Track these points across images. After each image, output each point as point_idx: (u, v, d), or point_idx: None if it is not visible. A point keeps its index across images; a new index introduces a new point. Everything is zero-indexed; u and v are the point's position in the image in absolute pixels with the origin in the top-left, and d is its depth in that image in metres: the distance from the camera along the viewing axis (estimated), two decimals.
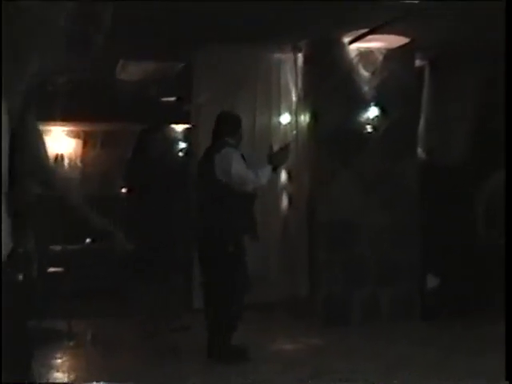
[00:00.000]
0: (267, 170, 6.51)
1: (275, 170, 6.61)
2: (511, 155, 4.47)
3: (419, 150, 8.96)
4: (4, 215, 1.47)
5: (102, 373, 6.51)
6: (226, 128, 6.78)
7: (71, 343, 7.73)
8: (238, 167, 6.48)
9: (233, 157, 6.54)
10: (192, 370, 6.63)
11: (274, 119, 8.58)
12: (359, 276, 8.08)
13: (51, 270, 8.08)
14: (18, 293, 3.32)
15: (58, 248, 9.36)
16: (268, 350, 6.72)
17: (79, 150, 13.53)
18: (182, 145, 11.72)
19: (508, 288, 4.46)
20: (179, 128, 12.30)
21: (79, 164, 13.47)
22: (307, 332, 6.38)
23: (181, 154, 11.47)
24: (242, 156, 6.63)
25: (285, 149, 6.69)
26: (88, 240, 11.68)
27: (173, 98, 11.37)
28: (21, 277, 3.34)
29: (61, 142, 13.29)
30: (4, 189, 1.52)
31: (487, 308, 8.32)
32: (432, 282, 8.60)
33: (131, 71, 9.54)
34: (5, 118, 1.45)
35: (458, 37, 8.04)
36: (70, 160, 13.41)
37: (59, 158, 13.26)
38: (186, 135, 11.48)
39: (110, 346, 7.68)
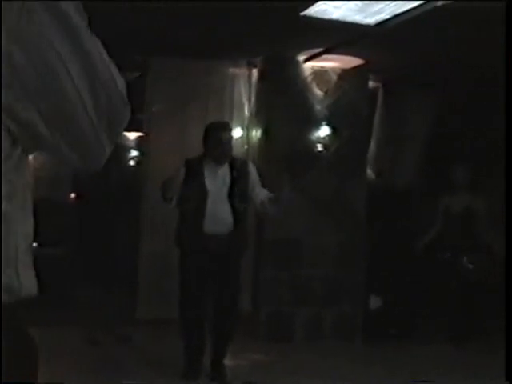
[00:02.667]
0: None
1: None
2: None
3: (369, 171, 9.04)
4: None
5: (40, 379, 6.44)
6: None
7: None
8: None
9: None
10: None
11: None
12: (303, 295, 8.09)
13: None
14: None
15: None
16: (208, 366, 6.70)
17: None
18: (134, 153, 11.67)
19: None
20: (131, 136, 12.26)
21: (30, 167, 13.32)
22: (250, 348, 6.38)
23: (132, 162, 11.42)
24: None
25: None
26: (34, 244, 11.58)
27: None
28: None
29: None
30: None
31: (430, 329, 8.43)
32: (375, 302, 8.66)
33: None
34: None
35: (411, 62, 8.14)
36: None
37: None
38: (138, 143, 11.44)
39: (52, 354, 7.61)
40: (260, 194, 6.43)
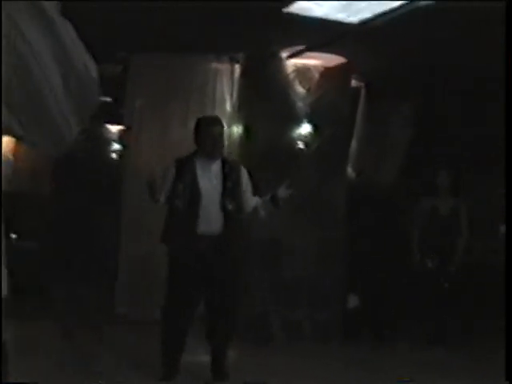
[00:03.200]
0: None
1: None
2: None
3: (349, 170, 9.04)
4: None
5: (14, 376, 6.42)
6: None
7: None
8: None
9: None
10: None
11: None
12: (282, 295, 8.07)
13: None
14: None
15: None
16: (187, 365, 6.68)
17: (11, 144, 13.35)
18: (116, 146, 11.63)
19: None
20: (113, 129, 12.23)
21: (10, 158, 13.29)
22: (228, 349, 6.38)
23: (114, 154, 11.38)
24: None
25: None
26: (13, 236, 11.53)
27: (109, 99, 11.30)
28: None
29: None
30: None
31: (409, 329, 8.44)
32: (353, 301, 8.67)
33: None
34: None
35: (394, 61, 8.15)
36: (4, 155, 13.22)
37: None
38: (120, 137, 11.41)
39: (26, 349, 7.58)
40: (250, 200, 6.34)
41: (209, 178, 6.18)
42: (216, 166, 6.24)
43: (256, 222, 7.47)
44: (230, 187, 6.20)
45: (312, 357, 7.56)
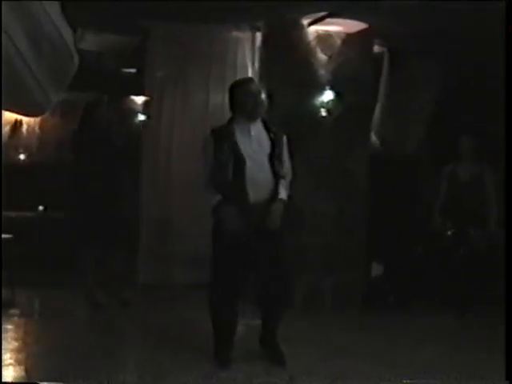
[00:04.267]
0: None
1: None
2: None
3: (373, 138, 8.98)
4: None
5: (42, 343, 6.50)
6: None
7: (14, 311, 7.69)
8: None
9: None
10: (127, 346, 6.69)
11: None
12: (303, 262, 8.06)
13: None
14: None
15: (10, 214, 9.28)
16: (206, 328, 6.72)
17: (38, 117, 13.41)
18: (140, 116, 11.65)
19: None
20: (137, 99, 12.25)
21: (37, 130, 13.37)
22: (248, 314, 6.39)
23: (138, 125, 11.40)
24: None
25: None
26: (41, 208, 11.63)
27: (132, 70, 11.33)
28: None
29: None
30: None
31: (430, 299, 8.42)
32: (376, 270, 8.66)
33: (89, 41, 9.47)
34: None
35: (418, 25, 8.05)
36: (29, 126, 13.30)
37: (18, 123, 13.16)
38: (144, 107, 11.41)
39: (54, 316, 7.67)
40: (288, 170, 6.05)
41: (250, 145, 5.84)
42: (256, 130, 5.92)
43: None
44: (275, 151, 5.90)
45: (331, 324, 7.59)
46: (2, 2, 1.40)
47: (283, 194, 5.95)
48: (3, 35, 1.42)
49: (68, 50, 1.45)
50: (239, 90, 5.98)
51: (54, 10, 1.44)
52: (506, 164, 4.51)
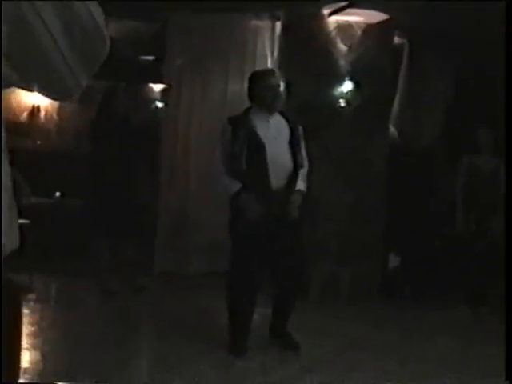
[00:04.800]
0: None
1: None
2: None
3: (391, 129, 8.94)
4: None
5: (59, 329, 6.53)
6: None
7: (31, 296, 7.71)
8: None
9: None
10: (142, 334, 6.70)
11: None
12: (320, 252, 8.05)
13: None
14: None
15: (28, 200, 9.30)
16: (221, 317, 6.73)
17: (56, 103, 13.44)
18: (159, 104, 11.63)
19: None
20: (156, 87, 12.23)
21: (55, 117, 13.40)
22: (265, 305, 6.38)
23: (157, 113, 11.39)
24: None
25: None
26: (57, 194, 11.65)
27: (151, 58, 11.32)
28: None
29: (38, 94, 13.19)
30: None
31: (448, 291, 8.38)
32: (393, 261, 8.63)
33: (108, 28, 9.46)
34: None
35: (438, 17, 7.99)
36: (47, 112, 13.33)
37: (35, 110, 13.19)
38: (162, 95, 11.40)
39: (70, 303, 7.69)
40: (305, 161, 5.98)
41: (269, 132, 5.80)
42: (274, 120, 5.90)
43: None
44: (293, 139, 5.88)
45: (346, 316, 7.58)
46: None
47: (302, 185, 5.94)
48: (38, 20, 1.40)
49: (100, 34, 1.44)
50: (259, 82, 5.94)
51: None
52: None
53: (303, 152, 6.01)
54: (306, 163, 6.02)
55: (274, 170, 5.73)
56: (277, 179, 5.76)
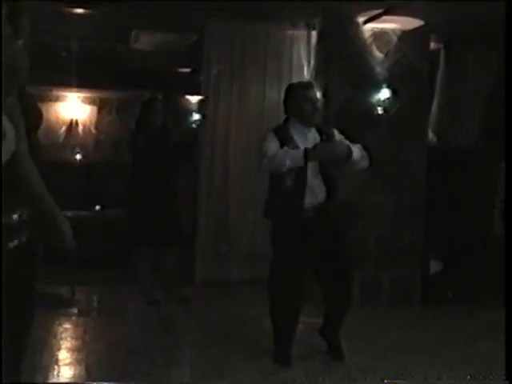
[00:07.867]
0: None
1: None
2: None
3: (430, 134, 8.91)
4: None
5: (102, 341, 6.56)
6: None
7: (73, 310, 7.77)
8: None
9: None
10: (186, 343, 6.71)
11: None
12: (360, 257, 8.04)
13: None
14: (16, 257, 3.35)
15: (67, 214, 9.37)
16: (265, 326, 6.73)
17: (94, 117, 13.58)
18: (196, 116, 11.69)
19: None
20: (193, 99, 12.30)
21: (93, 130, 13.54)
22: (307, 311, 6.39)
23: (194, 125, 11.45)
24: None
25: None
26: (98, 207, 11.76)
27: (187, 69, 11.39)
28: (16, 242, 3.37)
29: (76, 107, 13.36)
30: None
31: (489, 296, 8.32)
32: (435, 267, 8.59)
33: (144, 41, 9.56)
34: None
35: (474, 22, 7.96)
36: (84, 126, 13.47)
37: (74, 124, 13.34)
38: (200, 107, 11.45)
39: (112, 314, 7.73)
40: (355, 153, 5.81)
41: (306, 139, 5.77)
42: (311, 134, 5.86)
43: None
44: None
45: (390, 320, 7.56)
46: None
47: (357, 154, 5.83)
48: None
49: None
50: (298, 94, 5.87)
51: None
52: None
53: (349, 143, 5.90)
54: (357, 152, 5.88)
55: (310, 189, 5.73)
56: (312, 197, 5.74)
